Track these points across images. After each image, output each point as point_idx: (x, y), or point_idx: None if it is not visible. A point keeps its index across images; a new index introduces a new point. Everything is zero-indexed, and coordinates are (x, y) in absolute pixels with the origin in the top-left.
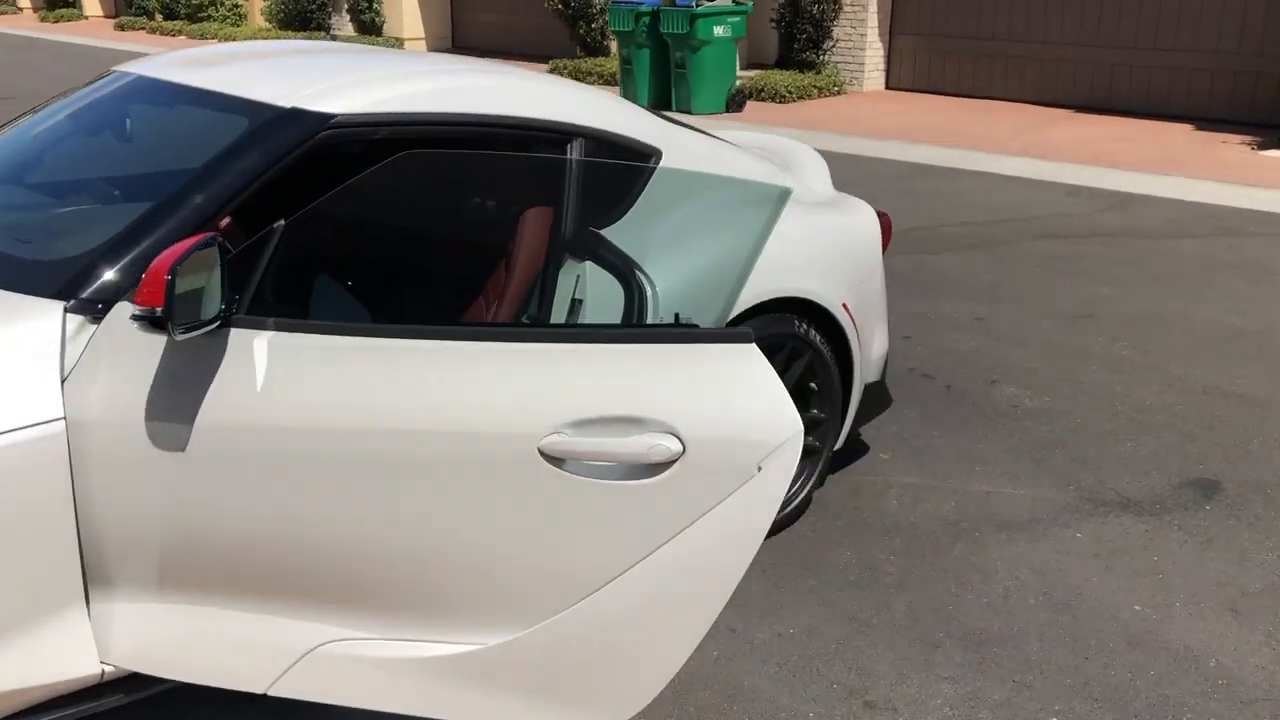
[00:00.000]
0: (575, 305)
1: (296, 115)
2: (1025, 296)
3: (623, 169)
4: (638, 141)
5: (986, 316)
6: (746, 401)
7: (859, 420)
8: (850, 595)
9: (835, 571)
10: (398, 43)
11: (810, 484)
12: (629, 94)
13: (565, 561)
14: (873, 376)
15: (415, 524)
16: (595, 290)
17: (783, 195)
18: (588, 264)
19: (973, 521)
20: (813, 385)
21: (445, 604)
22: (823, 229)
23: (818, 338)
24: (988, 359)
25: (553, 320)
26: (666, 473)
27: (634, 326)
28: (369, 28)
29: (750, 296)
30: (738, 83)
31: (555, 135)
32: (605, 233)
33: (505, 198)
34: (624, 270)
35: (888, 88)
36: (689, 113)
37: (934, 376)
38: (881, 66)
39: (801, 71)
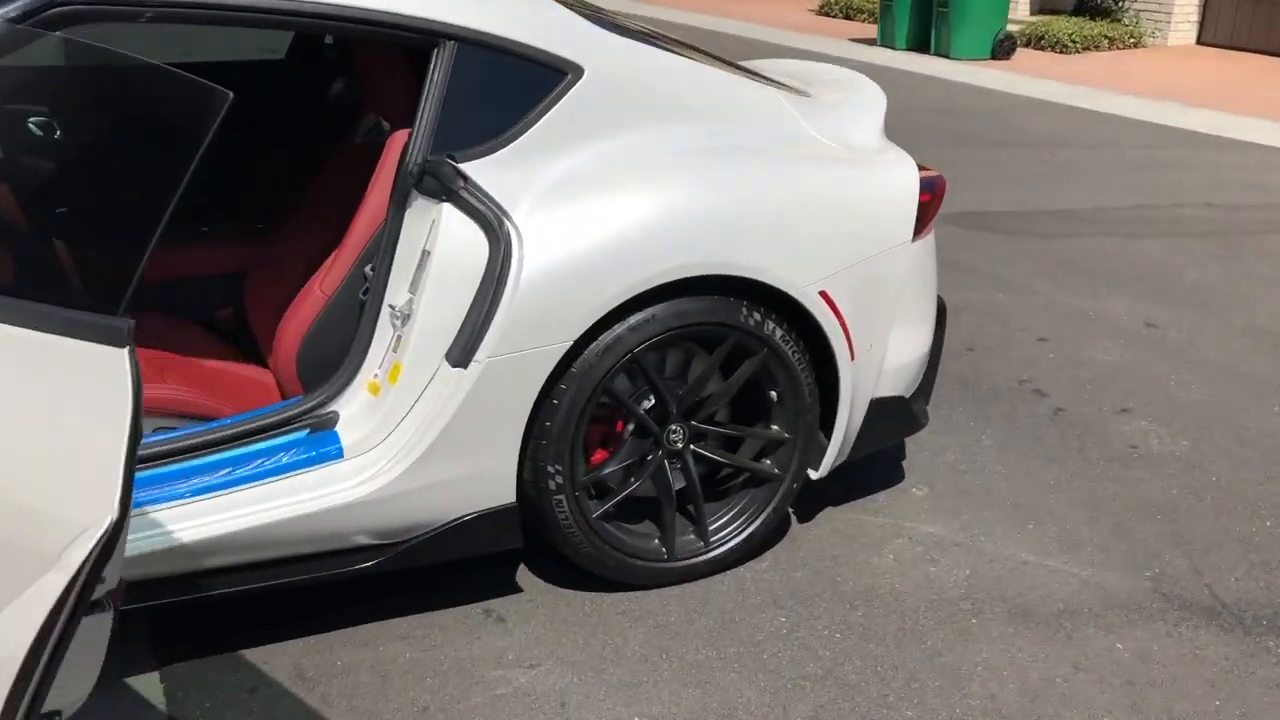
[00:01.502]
0: (423, 259)
1: None
2: (1228, 304)
3: (509, 82)
4: (543, 52)
5: (1162, 324)
6: (73, 450)
7: (868, 444)
8: (747, 682)
9: (749, 644)
10: None
11: (757, 521)
12: (886, 34)
13: None
14: (890, 390)
15: None
16: (451, 241)
17: (218, 100)
18: (445, 206)
19: (980, 601)
20: (773, 394)
21: None
22: (809, 187)
23: (777, 333)
24: (1131, 379)
25: (393, 276)
26: None
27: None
28: None
29: (674, 268)
30: (1009, 26)
31: (409, 36)
32: (470, 167)
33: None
34: (490, 217)
35: (1199, 43)
36: (947, 56)
37: (1047, 394)
38: (1194, 17)
39: (1093, 19)
